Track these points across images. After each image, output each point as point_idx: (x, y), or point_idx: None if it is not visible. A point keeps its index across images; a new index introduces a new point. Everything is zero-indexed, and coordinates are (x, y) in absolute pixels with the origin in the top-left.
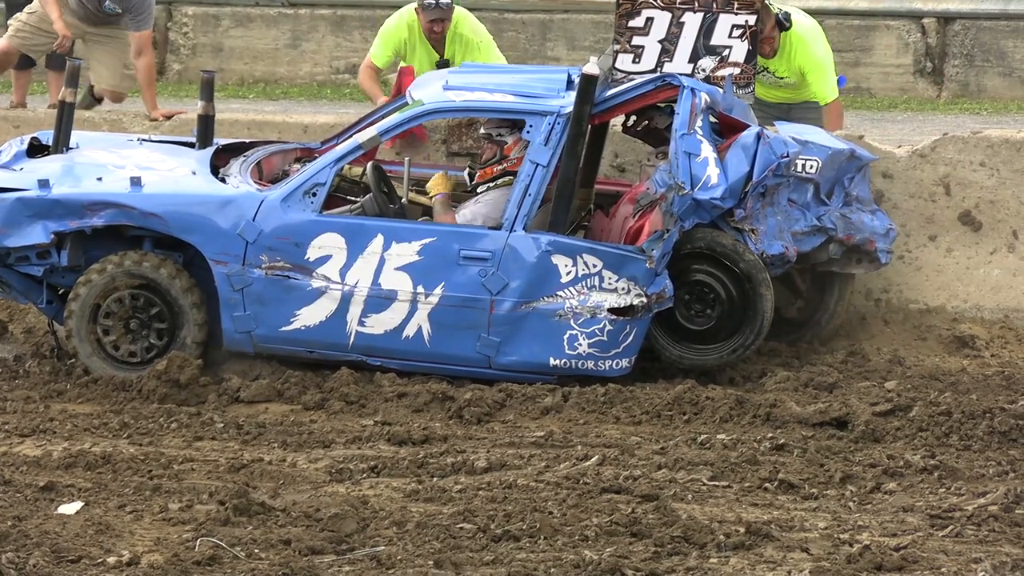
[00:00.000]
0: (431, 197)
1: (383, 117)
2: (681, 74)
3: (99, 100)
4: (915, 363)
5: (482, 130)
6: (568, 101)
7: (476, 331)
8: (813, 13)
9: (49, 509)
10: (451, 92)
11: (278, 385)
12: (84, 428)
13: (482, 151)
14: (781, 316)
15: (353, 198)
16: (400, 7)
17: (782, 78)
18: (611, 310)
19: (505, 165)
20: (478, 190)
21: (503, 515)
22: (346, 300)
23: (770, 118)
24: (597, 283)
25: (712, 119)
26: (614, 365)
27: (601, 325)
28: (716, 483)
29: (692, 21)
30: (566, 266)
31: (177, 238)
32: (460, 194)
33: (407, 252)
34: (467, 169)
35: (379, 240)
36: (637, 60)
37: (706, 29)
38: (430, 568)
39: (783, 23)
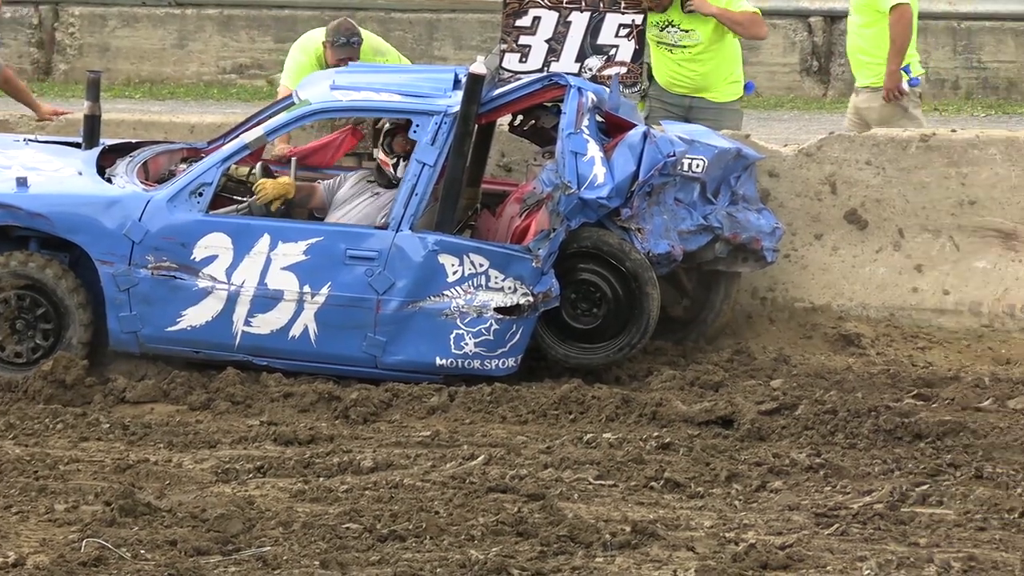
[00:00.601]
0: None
1: (269, 117)
2: (568, 73)
3: None
4: (801, 361)
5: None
6: (455, 100)
7: (362, 331)
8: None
9: None
10: (338, 92)
11: (164, 385)
12: None
13: (407, 145)
14: (667, 315)
15: (240, 198)
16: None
17: (687, 30)
18: (497, 309)
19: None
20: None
21: (389, 515)
22: (232, 300)
23: (671, 115)
24: (483, 282)
25: (599, 118)
26: (500, 364)
27: (487, 324)
28: (602, 482)
29: (579, 21)
30: (452, 265)
31: (63, 238)
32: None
33: (293, 252)
34: (400, 162)
35: (265, 240)
36: (524, 59)
37: (593, 28)
38: (316, 568)
39: None
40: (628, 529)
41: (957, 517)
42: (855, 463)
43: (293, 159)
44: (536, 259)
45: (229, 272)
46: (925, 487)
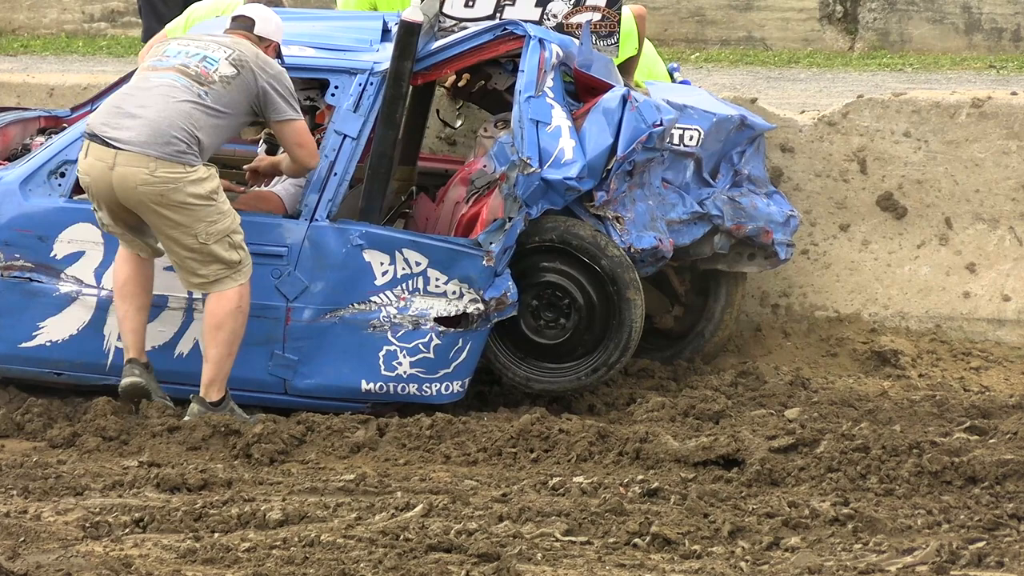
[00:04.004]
0: None
1: None
2: (527, 21)
3: None
4: (823, 385)
5: None
6: (384, 55)
7: (268, 347)
8: None
9: None
10: None
11: (17, 417)
12: None
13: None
14: (654, 327)
15: None
16: None
17: None
18: (439, 320)
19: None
20: None
21: None
22: (103, 308)
23: None
24: (421, 286)
25: (566, 78)
26: (443, 389)
27: (426, 339)
28: (572, 538)
29: None
30: (382, 264)
31: None
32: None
33: None
34: (263, 145)
35: None
36: (471, 3)
37: None
38: None
39: None
40: None
41: None
42: (892, 514)
43: None
44: (487, 256)
45: (99, 273)
46: (981, 544)
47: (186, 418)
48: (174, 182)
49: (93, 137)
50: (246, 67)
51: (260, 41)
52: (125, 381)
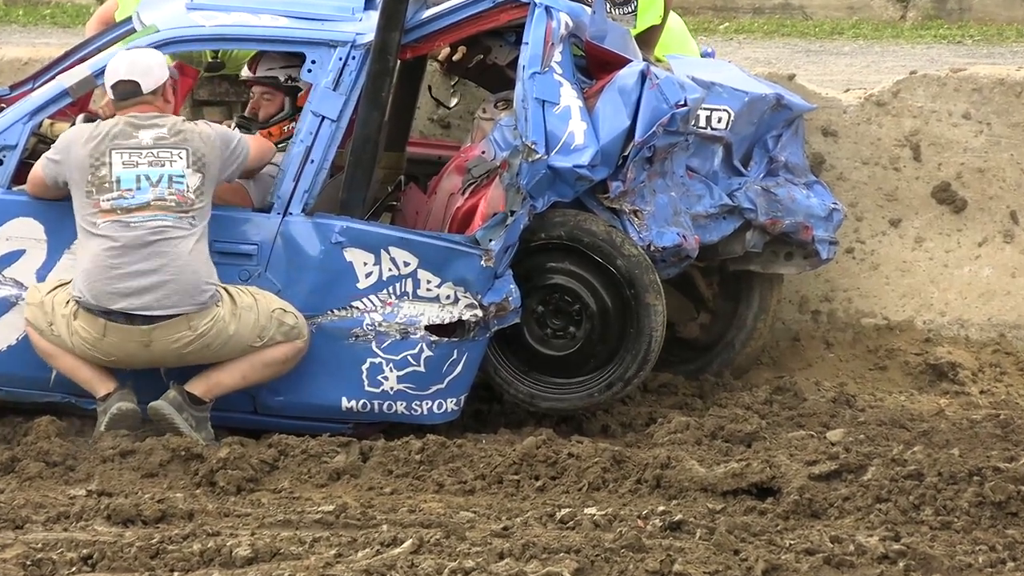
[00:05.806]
0: None
1: (99, 51)
2: None
3: None
4: (870, 403)
5: (258, 71)
6: (368, 26)
7: None
8: None
9: None
10: (198, 13)
11: None
12: None
13: (257, 103)
14: (677, 336)
15: None
16: None
17: None
18: (431, 328)
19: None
20: None
21: None
22: None
23: None
24: (410, 289)
25: (577, 51)
26: (435, 408)
27: (416, 350)
28: None
29: None
30: (365, 264)
31: None
32: None
33: None
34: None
35: None
36: None
37: None
38: None
39: None
40: None
41: None
42: (950, 550)
43: None
44: (486, 255)
45: (41, 275)
46: None
47: (157, 402)
48: (214, 325)
49: (108, 314)
50: (204, 161)
51: (155, 95)
52: (116, 407)
